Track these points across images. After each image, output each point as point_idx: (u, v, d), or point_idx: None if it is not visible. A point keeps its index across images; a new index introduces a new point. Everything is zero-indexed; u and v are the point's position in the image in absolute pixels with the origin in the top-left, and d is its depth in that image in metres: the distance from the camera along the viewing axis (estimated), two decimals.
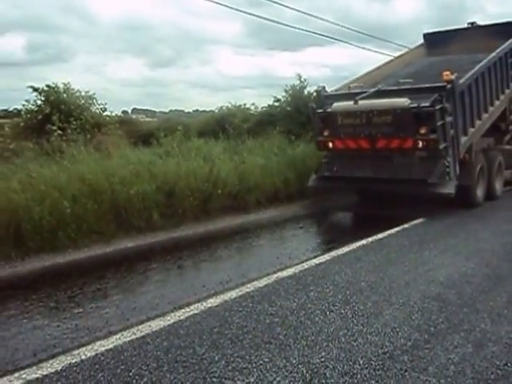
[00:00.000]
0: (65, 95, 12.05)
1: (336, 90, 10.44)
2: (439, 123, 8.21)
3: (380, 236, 7.10)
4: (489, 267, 5.48)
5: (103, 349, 3.70)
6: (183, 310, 4.39)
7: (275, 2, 14.79)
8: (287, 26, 14.70)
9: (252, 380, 3.16)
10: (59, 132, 10.05)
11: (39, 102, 12.01)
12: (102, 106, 12.84)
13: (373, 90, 9.26)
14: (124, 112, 12.39)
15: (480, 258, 5.88)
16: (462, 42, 12.14)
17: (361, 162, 9.27)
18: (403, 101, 8.43)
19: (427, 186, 8.31)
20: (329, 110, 9.42)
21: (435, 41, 13.07)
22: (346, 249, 6.34)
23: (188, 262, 6.41)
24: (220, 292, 4.86)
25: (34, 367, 3.47)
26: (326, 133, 9.59)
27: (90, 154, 8.48)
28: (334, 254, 6.14)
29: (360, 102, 8.69)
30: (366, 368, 3.25)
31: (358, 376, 3.16)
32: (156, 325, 4.10)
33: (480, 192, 9.75)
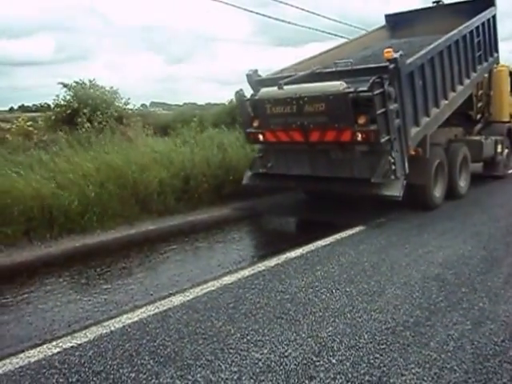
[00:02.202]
0: (91, 90, 12.03)
1: (274, 74, 8.05)
2: (379, 111, 6.17)
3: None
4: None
5: (130, 321, 3.72)
6: (201, 287, 4.39)
7: (280, 1, 14.46)
8: (290, 23, 14.21)
9: (265, 351, 3.16)
10: (90, 124, 10.02)
11: (68, 97, 12.00)
12: (124, 101, 12.81)
13: (302, 73, 7.31)
14: (143, 105, 12.36)
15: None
16: (427, 23, 9.88)
17: (297, 158, 7.32)
18: (337, 84, 6.38)
19: (370, 186, 6.46)
20: (256, 97, 7.33)
21: (398, 22, 10.78)
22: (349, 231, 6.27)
23: (204, 243, 6.39)
24: (234, 271, 4.84)
25: (69, 337, 3.51)
26: (255, 123, 7.44)
27: (115, 144, 8.45)
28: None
29: (289, 87, 6.76)
30: (371, 342, 3.23)
31: (364, 349, 3.14)
32: (177, 300, 4.11)
33: (438, 192, 7.82)
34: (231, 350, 3.19)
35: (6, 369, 3.07)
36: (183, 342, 3.33)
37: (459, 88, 8.46)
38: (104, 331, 3.55)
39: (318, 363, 2.98)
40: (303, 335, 3.35)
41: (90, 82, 12.21)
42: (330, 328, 3.45)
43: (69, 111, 11.38)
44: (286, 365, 2.98)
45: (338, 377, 2.82)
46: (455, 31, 8.16)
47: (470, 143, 9.17)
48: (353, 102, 6.23)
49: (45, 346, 3.37)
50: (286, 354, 3.12)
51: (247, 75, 7.86)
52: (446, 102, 7.99)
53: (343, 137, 6.47)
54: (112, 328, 3.60)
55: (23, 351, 3.31)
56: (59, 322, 3.84)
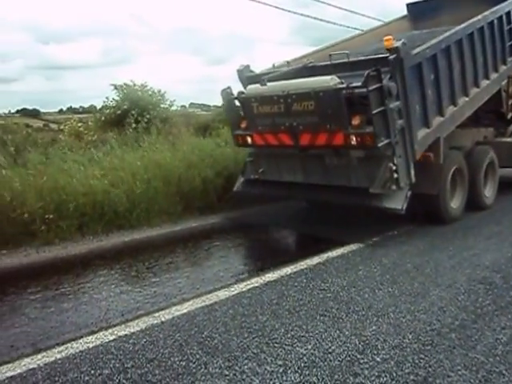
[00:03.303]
0: (139, 93, 12.34)
1: (270, 69, 6.79)
2: (376, 110, 5.15)
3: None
4: None
5: (178, 313, 3.83)
6: (245, 283, 4.45)
7: (319, 1, 14.20)
8: (329, 22, 13.85)
9: (309, 347, 3.19)
10: (136, 125, 10.28)
11: (117, 99, 12.34)
12: (169, 102, 13.08)
13: (285, 68, 6.47)
14: (182, 106, 12.60)
15: None
16: (453, 12, 8.36)
17: (289, 163, 6.41)
18: (327, 79, 5.40)
19: (369, 197, 5.53)
20: (242, 95, 6.47)
21: (421, 12, 9.37)
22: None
23: (245, 240, 6.47)
24: (276, 268, 4.85)
25: (123, 325, 3.66)
26: (243, 124, 6.59)
27: (161, 143, 8.64)
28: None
29: (277, 83, 5.90)
30: (415, 343, 3.20)
31: (408, 349, 3.11)
32: (222, 294, 4.19)
33: (456, 203, 6.64)
34: (276, 344, 3.24)
35: (68, 352, 3.25)
36: (230, 335, 3.40)
37: (484, 83, 7.16)
38: (155, 321, 3.68)
39: (362, 361, 2.99)
40: (346, 333, 3.36)
41: (142, 85, 12.51)
42: (374, 327, 3.44)
43: (118, 112, 11.72)
44: (331, 361, 3.00)
45: (383, 375, 2.82)
46: (479, 17, 6.95)
47: (500, 146, 7.77)
48: (346, 100, 5.28)
49: (101, 333, 3.53)
50: (330, 350, 3.13)
51: (238, 71, 6.95)
52: (467, 99, 6.78)
53: (336, 140, 5.51)
54: (162, 319, 3.72)
55: (82, 337, 3.49)
56: (113, 312, 3.99)
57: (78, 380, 2.91)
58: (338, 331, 3.39)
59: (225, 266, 5.24)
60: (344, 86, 5.28)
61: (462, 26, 6.63)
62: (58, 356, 3.21)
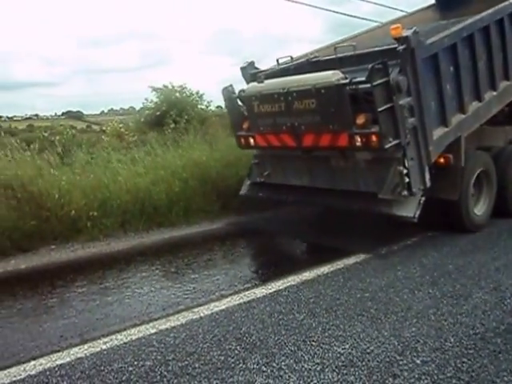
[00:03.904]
0: (177, 94, 12.51)
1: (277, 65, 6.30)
2: (382, 108, 4.62)
3: None
4: None
5: (217, 309, 3.87)
6: (282, 281, 4.44)
7: None
8: (365, 19, 13.55)
9: (347, 347, 3.15)
10: (175, 126, 10.42)
11: (155, 100, 12.56)
12: (206, 103, 13.20)
13: (279, 65, 6.02)
14: (219, 107, 12.73)
15: None
16: (486, 0, 7.09)
17: (294, 165, 5.94)
18: (328, 75, 4.90)
19: (379, 203, 5.02)
20: (243, 93, 5.98)
21: (449, 1, 8.25)
22: None
23: (281, 239, 6.46)
24: (313, 266, 4.80)
25: (164, 319, 3.73)
26: (245, 125, 6.13)
27: (199, 143, 8.73)
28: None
29: (278, 80, 5.50)
30: (457, 346, 3.11)
31: (450, 353, 3.03)
32: (259, 292, 4.21)
33: (481, 209, 6.01)
34: (313, 343, 3.22)
35: (113, 344, 3.36)
36: (267, 332, 3.41)
37: None
38: (194, 316, 3.74)
39: (401, 362, 2.93)
40: (385, 334, 3.31)
41: (180, 86, 12.69)
42: (413, 329, 3.37)
43: (158, 113, 11.93)
44: (369, 361, 2.96)
45: (423, 377, 2.76)
46: (511, 0, 6.11)
47: None
48: (350, 97, 4.79)
49: (143, 327, 3.62)
50: (368, 350, 3.09)
51: (241, 68, 6.49)
52: (495, 93, 6.06)
53: (340, 141, 5.00)
54: (201, 314, 3.78)
55: (125, 329, 3.59)
56: (154, 306, 4.07)
57: (122, 370, 2.99)
58: (376, 332, 3.35)
59: (261, 264, 5.26)
60: (347, 81, 4.78)
61: (490, 11, 5.89)
62: (104, 347, 3.32)
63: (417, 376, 2.78)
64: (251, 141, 6.07)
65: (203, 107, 13.00)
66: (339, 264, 4.84)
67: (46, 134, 9.70)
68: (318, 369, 2.90)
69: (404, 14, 9.63)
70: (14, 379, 2.98)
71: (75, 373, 3.00)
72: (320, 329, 3.43)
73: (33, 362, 3.18)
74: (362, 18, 17.03)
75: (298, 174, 5.91)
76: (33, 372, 3.05)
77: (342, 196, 5.45)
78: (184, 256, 5.52)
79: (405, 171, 4.86)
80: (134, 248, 5.87)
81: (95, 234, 6.06)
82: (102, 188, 6.50)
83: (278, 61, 6.23)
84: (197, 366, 3.00)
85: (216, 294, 4.29)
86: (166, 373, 2.94)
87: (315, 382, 2.77)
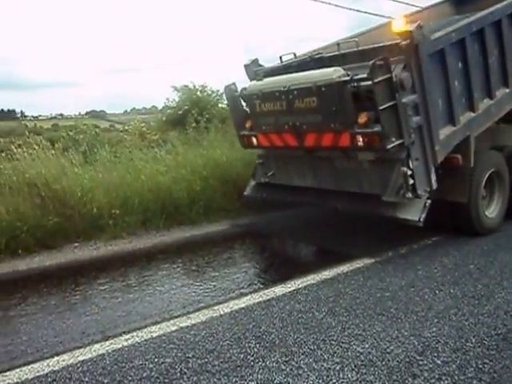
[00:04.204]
0: (199, 93, 12.56)
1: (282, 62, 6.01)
2: (384, 106, 4.38)
3: None
4: None
5: (237, 307, 3.88)
6: (301, 280, 4.42)
7: None
8: (384, 17, 13.29)
9: (367, 346, 3.13)
10: (196, 124, 10.48)
11: (177, 99, 12.63)
12: (227, 102, 13.18)
13: (282, 62, 5.82)
14: None
15: None
16: None
17: (298, 166, 5.76)
18: (329, 72, 4.73)
19: (383, 205, 4.82)
20: (245, 91, 5.79)
21: None
22: None
23: (300, 238, 6.43)
24: (333, 265, 4.76)
25: (185, 317, 3.76)
26: (248, 124, 5.94)
27: (220, 142, 8.75)
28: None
29: (279, 78, 5.32)
30: (479, 347, 3.06)
31: (471, 353, 2.98)
32: (279, 290, 4.20)
33: (493, 212, 5.73)
34: (333, 342, 3.21)
35: (134, 341, 3.39)
36: (287, 330, 3.41)
37: None
38: (214, 314, 3.76)
39: (421, 362, 2.90)
40: (405, 333, 3.27)
41: (201, 85, 12.73)
42: (434, 329, 3.32)
43: (179, 112, 12.00)
44: (389, 361, 2.94)
45: (444, 378, 2.73)
46: None
47: None
48: (352, 95, 4.58)
49: (164, 324, 3.65)
50: (388, 350, 3.07)
51: (245, 66, 6.21)
52: (507, 90, 5.76)
53: (341, 141, 4.81)
54: (221, 312, 3.80)
55: (146, 327, 3.62)
56: (175, 304, 4.10)
57: (143, 367, 3.02)
58: (396, 331, 3.31)
59: (281, 263, 5.25)
60: (348, 78, 4.57)
61: (501, 4, 5.61)
62: (125, 343, 3.36)
63: (437, 376, 2.74)
64: (254, 140, 5.91)
65: (224, 106, 13.03)
66: (359, 263, 4.80)
67: (70, 133, 9.88)
68: (338, 368, 2.88)
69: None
70: (38, 374, 3.04)
71: (97, 369, 3.05)
72: (339, 328, 3.41)
73: (56, 358, 3.24)
74: (383, 16, 16.77)
75: (302, 175, 5.73)
76: (56, 367, 3.10)
77: (347, 198, 5.27)
78: (204, 254, 5.55)
79: (409, 172, 4.62)
80: (156, 246, 5.92)
81: (117, 232, 6.14)
82: (124, 186, 6.58)
83: (281, 58, 6.01)
84: (216, 363, 3.02)
85: (236, 292, 4.30)
86: (185, 370, 2.96)
87: (334, 381, 2.76)
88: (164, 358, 3.11)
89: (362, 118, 4.57)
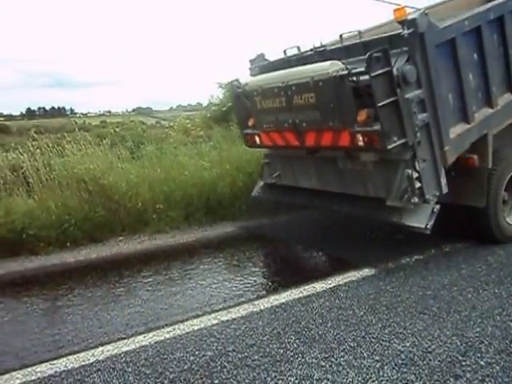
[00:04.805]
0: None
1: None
2: (383, 102, 3.95)
3: None
4: None
5: (277, 302, 3.89)
6: (342, 276, 4.39)
7: None
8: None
9: (407, 345, 3.08)
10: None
11: (221, 96, 12.71)
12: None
13: (286, 55, 5.44)
14: None
15: None
16: None
17: (303, 166, 5.41)
18: (325, 66, 4.34)
19: (388, 211, 4.47)
20: (246, 87, 5.40)
21: None
22: None
23: (341, 233, 6.35)
24: (374, 262, 4.69)
25: (225, 311, 3.80)
26: (251, 122, 5.60)
27: None
28: None
29: (279, 73, 4.95)
30: None
31: None
32: (319, 286, 4.18)
33: None
34: (373, 339, 3.17)
35: (176, 333, 3.47)
36: (326, 327, 3.40)
37: None
38: (254, 309, 3.79)
39: (464, 363, 2.82)
40: (447, 333, 3.19)
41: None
42: (478, 329, 3.22)
43: (223, 109, 12.08)
44: (430, 360, 2.88)
45: (487, 379, 2.65)
46: None
47: None
48: (352, 91, 4.18)
49: (205, 317, 3.71)
50: (430, 349, 3.00)
51: (250, 61, 5.87)
52: None
53: (341, 140, 4.43)
54: (261, 307, 3.82)
55: (188, 320, 3.70)
56: (216, 298, 4.15)
57: (184, 359, 3.09)
58: (438, 330, 3.24)
59: (322, 259, 5.22)
60: (346, 72, 4.17)
61: None
62: (167, 336, 3.44)
63: (480, 378, 2.67)
64: (257, 139, 5.55)
65: None
66: (401, 261, 4.71)
67: (117, 130, 10.16)
68: (378, 366, 2.85)
69: None
70: (83, 364, 3.15)
71: (139, 360, 3.13)
72: (380, 325, 3.37)
73: (100, 348, 3.34)
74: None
75: (307, 176, 5.41)
76: (100, 357, 3.21)
77: (352, 201, 4.92)
78: (245, 249, 5.57)
79: (415, 175, 4.21)
80: (198, 240, 5.99)
81: (161, 227, 6.26)
82: (169, 181, 6.68)
83: (285, 52, 5.55)
84: (256, 357, 3.05)
85: (276, 287, 4.32)
86: (226, 363, 3.01)
87: (374, 378, 2.74)
88: (205, 351, 3.17)
89: (362, 116, 4.17)
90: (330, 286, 4.18)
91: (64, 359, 3.22)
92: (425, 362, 2.86)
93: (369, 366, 2.85)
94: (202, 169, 7.06)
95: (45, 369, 3.11)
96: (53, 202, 6.02)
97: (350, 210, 5.01)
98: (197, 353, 3.16)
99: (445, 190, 4.40)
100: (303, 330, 3.38)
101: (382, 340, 3.16)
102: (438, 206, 4.34)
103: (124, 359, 3.16)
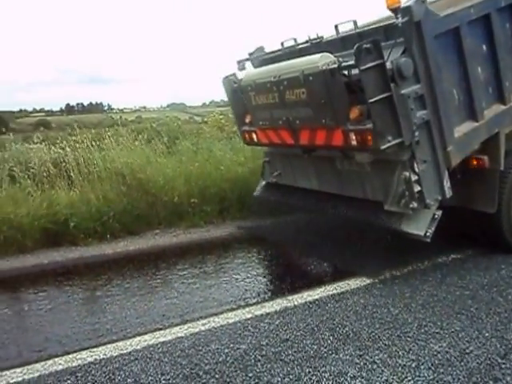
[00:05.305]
0: None
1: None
2: (375, 98, 3.57)
3: None
4: None
5: (310, 298, 3.88)
6: (376, 273, 4.30)
7: None
8: None
9: (444, 345, 3.02)
10: None
11: None
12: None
13: (283, 48, 5.11)
14: None
15: None
16: None
17: (302, 166, 5.12)
18: (315, 59, 3.97)
19: (387, 215, 4.13)
20: (241, 82, 5.04)
21: None
22: None
23: (375, 232, 6.25)
24: (409, 261, 4.58)
25: (259, 305, 3.83)
26: (247, 119, 5.25)
27: None
28: None
29: (270, 67, 4.67)
30: None
31: None
32: (353, 283, 4.14)
33: None
34: (408, 338, 3.12)
35: (211, 326, 3.51)
36: (361, 324, 3.36)
37: None
38: (288, 304, 3.78)
39: (503, 365, 2.75)
40: (486, 334, 3.11)
41: None
42: None
43: None
44: (468, 362, 2.81)
45: None
46: None
47: None
48: (346, 86, 3.83)
49: (239, 311, 3.74)
50: (468, 350, 2.93)
51: (249, 54, 5.50)
52: None
53: (335, 140, 4.08)
54: (295, 302, 3.81)
55: (222, 313, 3.73)
56: (250, 292, 4.18)
57: (219, 352, 3.12)
58: (476, 332, 3.15)
59: (356, 257, 5.15)
60: (335, 66, 3.82)
61: None
62: (202, 328, 3.48)
63: None
64: (254, 137, 5.22)
65: None
66: (437, 260, 4.59)
67: (153, 125, 10.33)
68: (413, 365, 2.81)
69: None
70: (122, 352, 3.22)
71: (175, 350, 3.18)
72: (416, 324, 3.31)
73: (138, 338, 3.41)
74: None
75: (307, 176, 5.12)
76: (138, 347, 3.28)
77: (351, 204, 4.60)
78: (279, 245, 5.58)
79: (414, 177, 3.84)
80: (232, 235, 6.02)
81: (196, 221, 6.32)
82: (204, 176, 6.72)
83: (282, 44, 5.21)
84: (290, 352, 3.04)
85: (310, 283, 4.28)
86: (259, 357, 3.02)
87: (410, 378, 2.69)
88: (239, 345, 3.19)
89: (354, 113, 3.82)
90: (365, 283, 4.13)
91: (103, 347, 3.31)
92: (462, 364, 2.79)
93: (404, 366, 2.81)
94: (237, 164, 7.08)
95: (85, 356, 3.20)
96: (93, 194, 6.19)
97: (347, 213, 4.68)
98: (231, 346, 3.19)
99: (448, 193, 4.01)
100: (337, 326, 3.35)
101: (418, 339, 3.10)
102: (439, 212, 3.97)
103: (161, 349, 3.21)
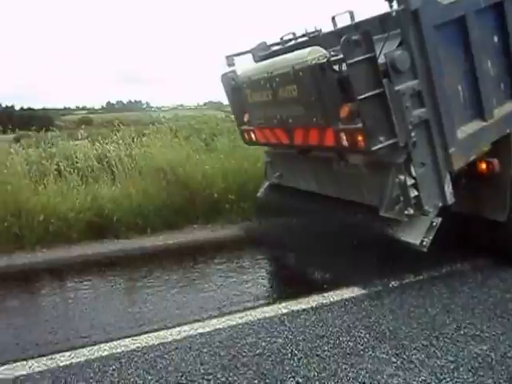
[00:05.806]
0: None
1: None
2: (364, 95, 3.25)
3: None
4: None
5: (347, 296, 3.86)
6: (413, 274, 4.24)
7: None
8: None
9: (485, 348, 2.95)
10: None
11: None
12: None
13: (283, 42, 4.93)
14: None
15: None
16: None
17: (301, 167, 4.85)
18: (304, 53, 3.69)
19: (383, 222, 3.79)
20: (238, 79, 4.84)
21: None
22: None
23: None
24: (448, 262, 4.47)
25: (295, 301, 3.81)
26: (246, 117, 4.97)
27: None
28: None
29: (264, 63, 4.46)
30: None
31: None
32: (390, 283, 4.09)
33: None
34: (447, 340, 3.07)
35: (248, 319, 3.54)
36: (397, 323, 3.32)
37: None
38: (324, 301, 3.77)
39: None
40: None
41: None
42: None
43: None
44: (509, 366, 2.74)
45: None
46: None
47: None
48: (338, 82, 3.53)
49: (275, 306, 3.75)
50: (509, 354, 2.86)
51: (251, 50, 5.23)
52: None
53: (327, 140, 3.78)
54: (331, 299, 3.80)
55: (259, 307, 3.76)
56: (286, 287, 4.22)
57: (256, 345, 3.15)
58: None
59: (395, 256, 5.06)
60: (324, 60, 3.55)
61: None
62: (239, 321, 3.52)
63: None
64: (252, 136, 4.95)
65: None
66: (477, 262, 4.45)
67: (191, 123, 10.48)
68: (452, 367, 2.76)
69: None
70: (163, 341, 3.29)
71: (214, 342, 3.23)
72: (454, 326, 3.25)
73: (177, 328, 3.47)
74: None
75: (306, 178, 4.85)
76: (178, 337, 3.34)
77: (349, 208, 4.28)
78: (313, 242, 5.55)
79: (410, 181, 3.51)
80: (266, 232, 6.06)
81: (233, 217, 6.36)
82: (241, 172, 6.75)
83: (281, 38, 5.00)
84: (326, 348, 3.04)
85: (345, 281, 4.23)
86: (296, 352, 3.03)
87: (448, 379, 2.65)
88: (276, 338, 3.21)
89: (344, 111, 3.52)
90: (403, 282, 4.08)
91: (145, 336, 3.39)
92: (503, 368, 2.73)
93: (442, 367, 2.77)
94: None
95: (128, 343, 3.28)
96: (134, 189, 6.33)
97: (351, 218, 4.27)
98: (268, 339, 3.21)
99: (450, 199, 3.66)
100: (373, 324, 3.33)
101: (457, 341, 3.04)
102: (438, 219, 3.61)
103: (199, 340, 3.27)
